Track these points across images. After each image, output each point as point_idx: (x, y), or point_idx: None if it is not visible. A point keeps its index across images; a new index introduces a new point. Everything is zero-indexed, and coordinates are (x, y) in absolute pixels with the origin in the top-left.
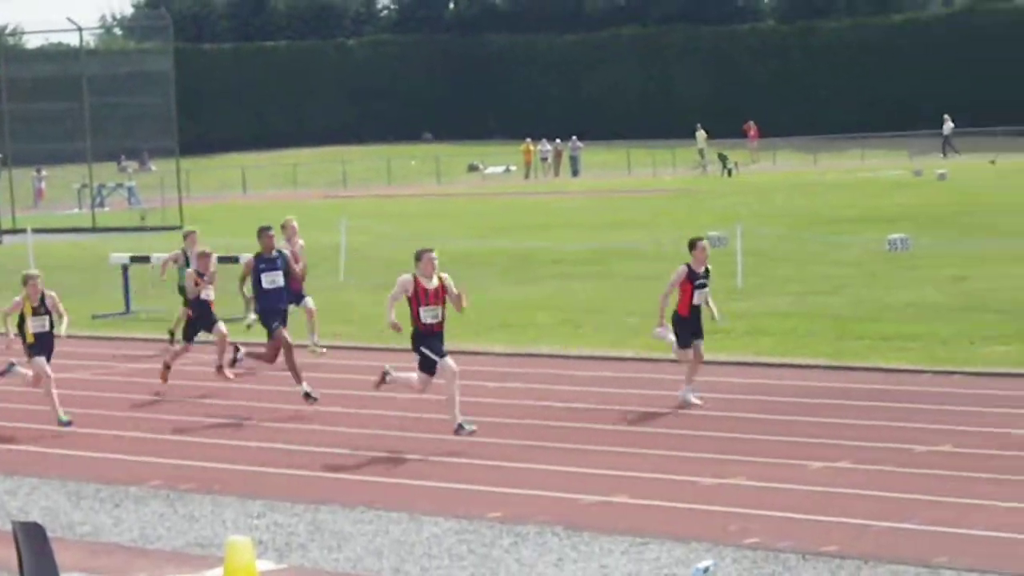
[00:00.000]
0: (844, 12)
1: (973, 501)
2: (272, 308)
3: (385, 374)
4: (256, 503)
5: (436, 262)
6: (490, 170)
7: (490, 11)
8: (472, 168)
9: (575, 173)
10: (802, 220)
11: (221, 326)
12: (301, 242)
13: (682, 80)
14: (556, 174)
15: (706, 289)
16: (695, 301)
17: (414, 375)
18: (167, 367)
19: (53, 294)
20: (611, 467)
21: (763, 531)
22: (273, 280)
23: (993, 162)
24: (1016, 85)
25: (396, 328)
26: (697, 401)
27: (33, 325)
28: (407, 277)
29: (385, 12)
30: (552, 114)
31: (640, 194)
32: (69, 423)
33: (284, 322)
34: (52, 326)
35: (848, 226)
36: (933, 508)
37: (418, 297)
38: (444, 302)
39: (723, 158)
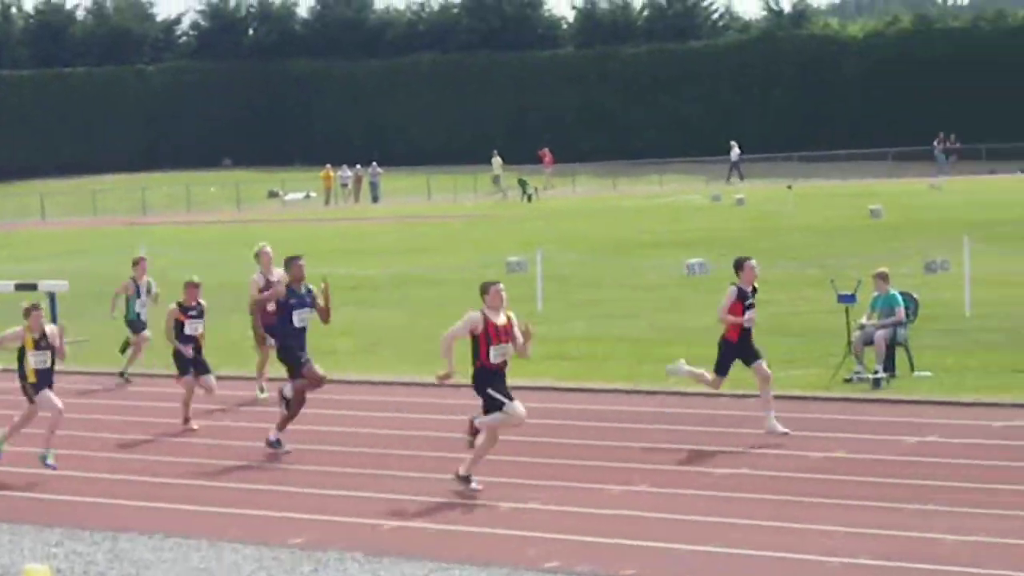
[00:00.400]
0: (643, 38)
1: (772, 523)
2: (300, 346)
3: (472, 421)
4: (54, 531)
5: (505, 295)
6: (290, 196)
7: (289, 37)
8: (272, 195)
9: (375, 199)
10: (602, 245)
11: (212, 379)
12: (280, 271)
13: (482, 106)
14: (356, 200)
15: (755, 310)
16: (746, 324)
17: (498, 415)
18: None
19: (55, 328)
20: (411, 492)
21: (562, 555)
22: (303, 319)
23: (790, 187)
24: (809, 112)
25: (449, 377)
26: (785, 429)
27: (35, 360)
28: (476, 314)
29: (184, 38)
30: (353, 140)
31: (440, 219)
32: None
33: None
34: (54, 362)
35: (647, 251)
36: (732, 530)
37: (488, 334)
38: (513, 339)
39: (523, 183)
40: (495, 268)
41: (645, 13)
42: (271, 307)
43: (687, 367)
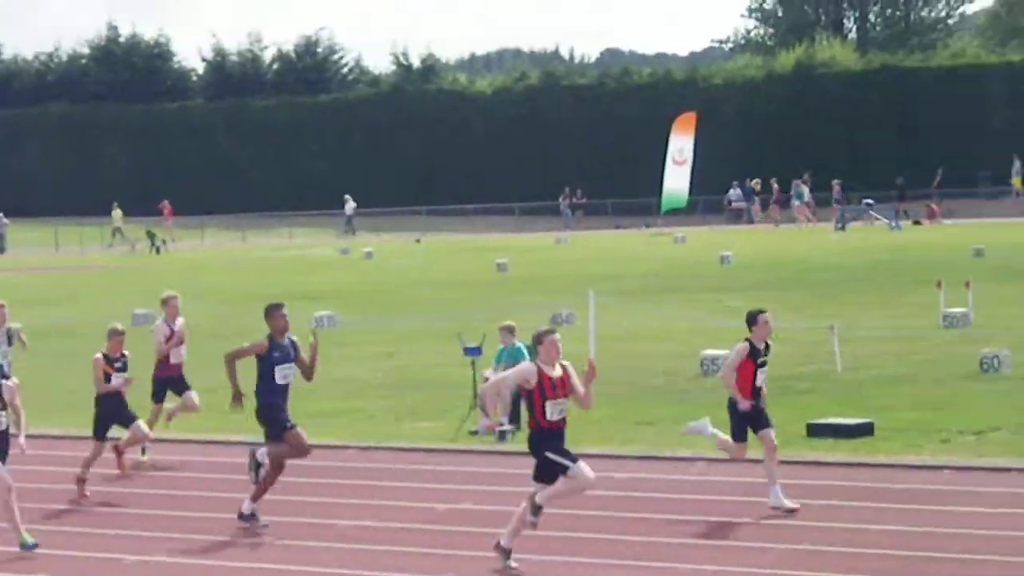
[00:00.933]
0: (272, 91)
1: (395, 575)
2: (282, 406)
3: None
4: None
5: (560, 346)
6: None
7: None
8: None
9: (1, 250)
10: (231, 297)
11: (141, 425)
12: (181, 320)
13: (110, 158)
14: None
15: (766, 368)
16: (758, 383)
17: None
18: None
19: (12, 383)
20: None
21: None
22: (286, 376)
23: (418, 240)
24: (439, 166)
25: (492, 428)
26: (795, 505)
27: None
28: (530, 366)
29: None
30: None
31: (67, 271)
32: (34, 546)
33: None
34: (8, 424)
35: None
36: None
37: (543, 389)
38: (573, 390)
39: (151, 235)
40: (124, 319)
41: (275, 66)
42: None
43: (711, 427)
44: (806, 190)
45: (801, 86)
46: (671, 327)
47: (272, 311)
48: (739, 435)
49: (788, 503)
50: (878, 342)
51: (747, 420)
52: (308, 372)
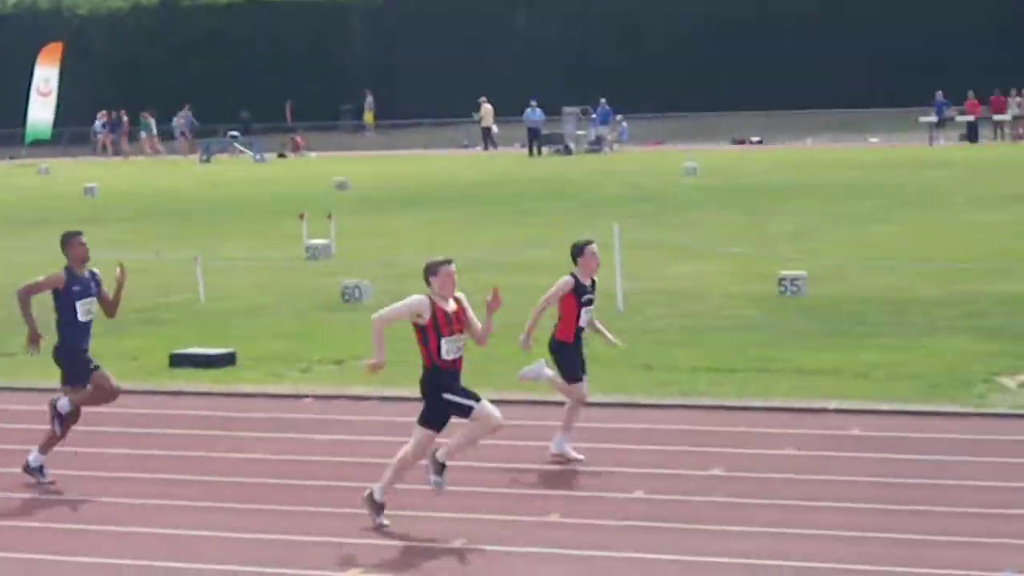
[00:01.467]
0: None
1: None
2: (83, 348)
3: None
4: None
5: (455, 278)
6: None
7: None
8: None
9: None
10: None
11: None
12: None
13: None
14: None
15: (593, 307)
16: (581, 322)
17: (407, 449)
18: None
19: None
20: None
21: None
22: (89, 310)
23: None
24: None
25: (380, 367)
26: (580, 456)
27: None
28: (421, 298)
29: None
30: None
31: None
32: None
33: None
34: None
35: None
36: None
37: (437, 325)
38: (468, 326)
39: None
40: None
41: None
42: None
43: (547, 370)
44: (153, 123)
45: (166, 18)
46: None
47: (69, 239)
48: (573, 373)
49: (573, 451)
50: (242, 273)
51: (576, 359)
52: (113, 307)
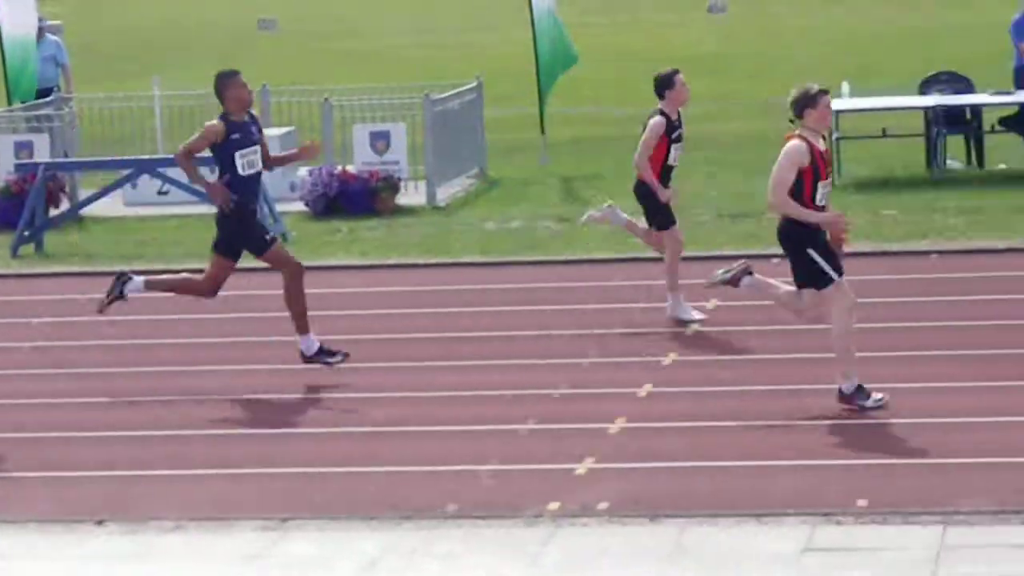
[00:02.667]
0: None
1: None
2: (251, 208)
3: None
4: None
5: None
6: None
7: None
8: None
9: None
10: None
11: None
12: None
13: None
14: None
15: (683, 143)
16: (671, 161)
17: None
18: None
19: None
20: None
21: None
22: (252, 162)
23: None
24: None
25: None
26: (701, 316)
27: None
28: (799, 144)
29: None
30: None
31: None
32: None
33: None
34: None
35: None
36: None
37: (816, 168)
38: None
39: None
40: None
41: None
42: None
43: (623, 215)
44: None
45: None
46: None
47: (228, 81)
48: (665, 219)
49: (695, 311)
50: None
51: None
52: (271, 161)
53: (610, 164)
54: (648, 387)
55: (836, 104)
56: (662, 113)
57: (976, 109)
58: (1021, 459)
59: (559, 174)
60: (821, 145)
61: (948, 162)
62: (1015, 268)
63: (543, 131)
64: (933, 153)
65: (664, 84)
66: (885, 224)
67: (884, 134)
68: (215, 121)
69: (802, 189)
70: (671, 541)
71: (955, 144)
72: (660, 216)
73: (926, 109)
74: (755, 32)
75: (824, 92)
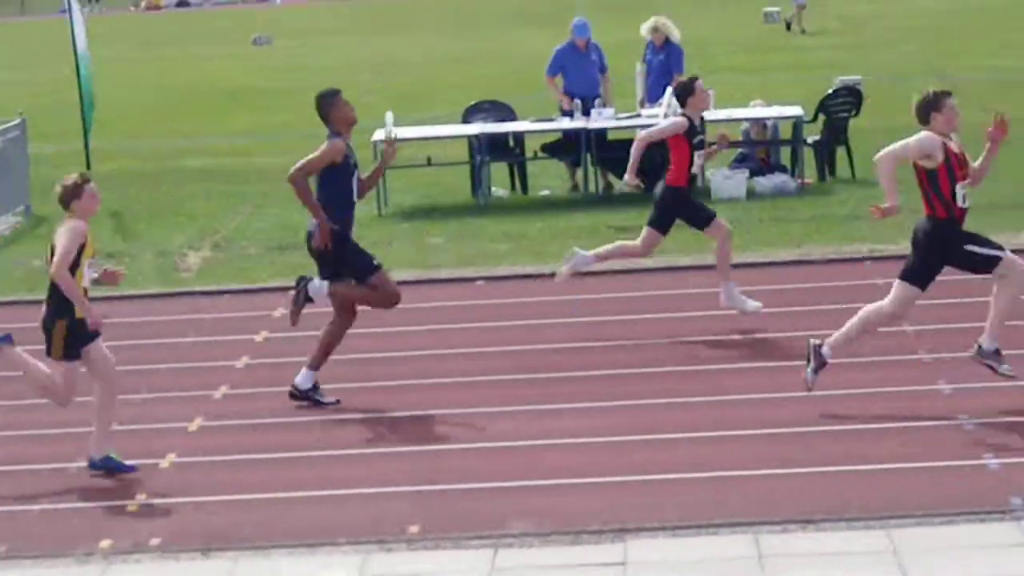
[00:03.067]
0: None
1: None
2: (351, 236)
3: None
4: None
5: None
6: None
7: None
8: None
9: None
10: None
11: None
12: None
13: None
14: None
15: (703, 150)
16: (694, 168)
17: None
18: None
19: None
20: None
21: None
22: (353, 187)
23: None
24: None
25: (893, 212)
26: (758, 304)
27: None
28: (932, 136)
29: None
30: None
31: None
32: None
33: None
34: None
35: None
36: None
37: (951, 168)
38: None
39: None
40: None
41: None
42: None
43: (587, 252)
44: None
45: None
46: None
47: (331, 99)
48: (706, 216)
49: (751, 302)
50: None
51: (679, 210)
52: (363, 186)
53: (156, 197)
54: (199, 421)
55: (377, 134)
56: (684, 116)
57: (519, 136)
58: (566, 480)
59: (107, 209)
60: (955, 147)
61: (492, 189)
62: (560, 292)
63: (88, 166)
64: (477, 180)
65: (686, 91)
66: (432, 252)
67: (429, 163)
68: (335, 139)
69: (940, 189)
70: (225, 573)
71: (499, 171)
72: (702, 213)
73: (470, 137)
74: (299, 64)
75: (948, 94)
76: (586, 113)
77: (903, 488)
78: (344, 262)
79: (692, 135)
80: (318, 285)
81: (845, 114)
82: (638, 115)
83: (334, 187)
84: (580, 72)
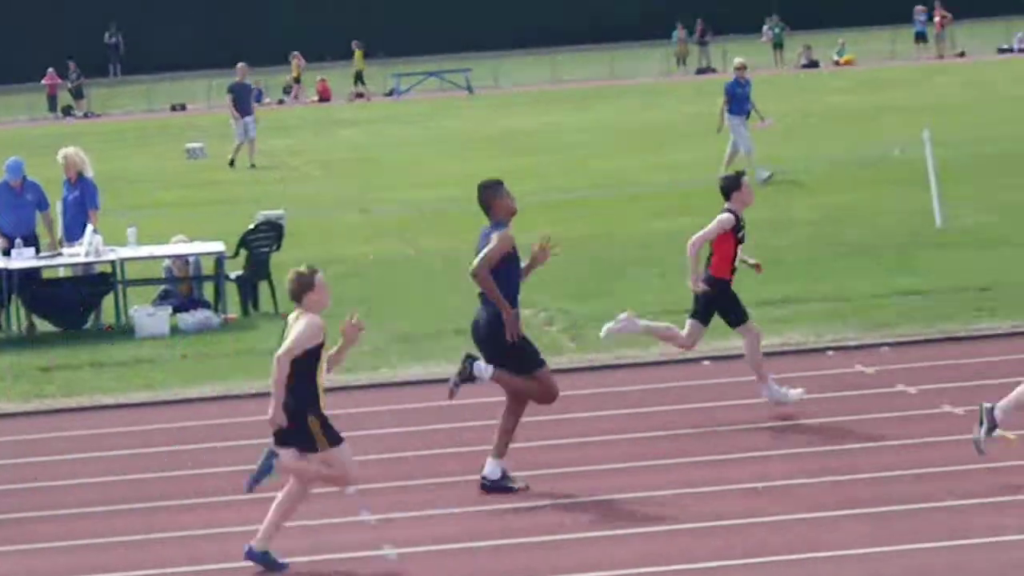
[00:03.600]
0: None
1: None
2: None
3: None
4: None
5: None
6: None
7: None
8: None
9: None
10: None
11: None
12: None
13: None
14: None
15: (743, 244)
16: (736, 261)
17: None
18: None
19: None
20: None
21: None
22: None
23: None
24: None
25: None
26: (800, 391)
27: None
28: (729, 217)
29: None
30: None
31: None
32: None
33: None
34: None
35: None
36: None
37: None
38: None
39: None
40: None
41: None
42: None
43: (640, 322)
44: None
45: None
46: None
47: (495, 190)
48: (742, 315)
49: (793, 393)
50: None
51: (731, 300)
52: (527, 269)
53: None
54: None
55: None
56: (730, 211)
57: None
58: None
59: None
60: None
61: None
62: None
63: None
64: None
65: (732, 186)
66: None
67: None
68: (503, 229)
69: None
70: None
71: None
72: (740, 309)
73: None
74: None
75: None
76: (6, 253)
77: None
78: (513, 353)
79: (738, 229)
80: (483, 367)
81: (266, 248)
82: (59, 253)
83: (507, 276)
84: (13, 212)
